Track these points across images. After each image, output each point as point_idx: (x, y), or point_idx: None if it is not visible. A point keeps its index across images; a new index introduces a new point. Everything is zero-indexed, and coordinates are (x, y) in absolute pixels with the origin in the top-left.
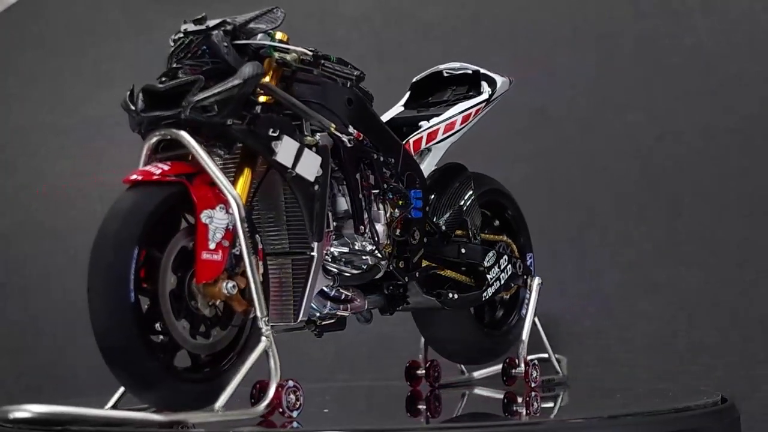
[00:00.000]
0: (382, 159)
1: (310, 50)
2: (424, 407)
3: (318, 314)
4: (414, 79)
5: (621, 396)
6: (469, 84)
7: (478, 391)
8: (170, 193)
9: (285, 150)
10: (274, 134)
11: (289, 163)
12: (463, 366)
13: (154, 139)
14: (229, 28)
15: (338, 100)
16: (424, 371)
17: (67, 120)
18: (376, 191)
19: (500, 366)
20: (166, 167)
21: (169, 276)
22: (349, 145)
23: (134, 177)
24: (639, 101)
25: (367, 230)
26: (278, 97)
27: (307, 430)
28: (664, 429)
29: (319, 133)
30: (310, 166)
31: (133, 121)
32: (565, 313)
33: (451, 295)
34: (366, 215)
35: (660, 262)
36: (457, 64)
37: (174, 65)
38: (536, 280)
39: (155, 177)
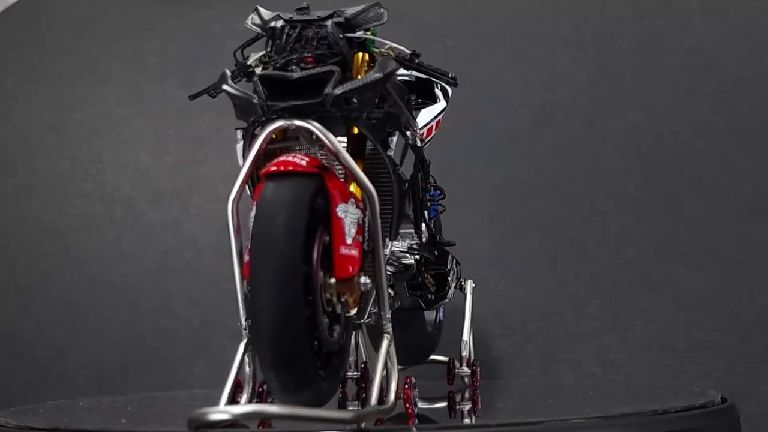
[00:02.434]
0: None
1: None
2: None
3: None
4: None
5: (620, 396)
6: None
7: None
8: (316, 185)
9: (397, 146)
10: (390, 130)
11: (398, 160)
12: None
13: (275, 128)
14: (341, 20)
15: (406, 98)
16: (357, 373)
17: (67, 120)
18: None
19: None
20: (306, 158)
21: (319, 271)
22: (419, 144)
23: (276, 168)
24: (639, 101)
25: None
26: (386, 94)
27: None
28: (664, 429)
29: (409, 131)
30: (406, 164)
31: (250, 108)
32: (565, 313)
33: (429, 296)
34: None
35: (660, 262)
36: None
37: (291, 55)
38: (470, 283)
39: (302, 168)
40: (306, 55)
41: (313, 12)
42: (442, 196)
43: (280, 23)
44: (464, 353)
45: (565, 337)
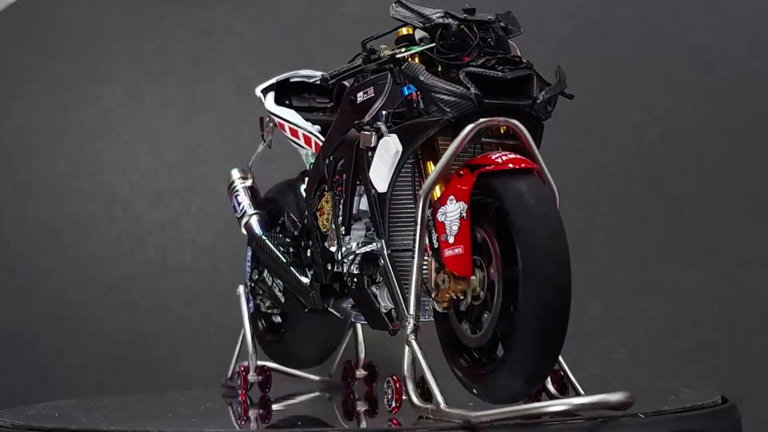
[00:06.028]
0: None
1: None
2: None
3: None
4: (275, 80)
5: None
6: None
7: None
8: None
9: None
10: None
11: None
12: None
13: (489, 124)
14: (503, 24)
15: None
16: (259, 377)
17: (67, 120)
18: None
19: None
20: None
21: None
22: None
23: (513, 165)
24: (640, 101)
25: None
26: None
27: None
28: (664, 430)
29: None
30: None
31: (457, 103)
32: None
33: None
34: None
35: (662, 262)
36: (307, 72)
37: (483, 55)
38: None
39: (530, 165)
40: (503, 56)
41: (480, 14)
42: None
43: (452, 21)
44: (361, 355)
45: (567, 337)
